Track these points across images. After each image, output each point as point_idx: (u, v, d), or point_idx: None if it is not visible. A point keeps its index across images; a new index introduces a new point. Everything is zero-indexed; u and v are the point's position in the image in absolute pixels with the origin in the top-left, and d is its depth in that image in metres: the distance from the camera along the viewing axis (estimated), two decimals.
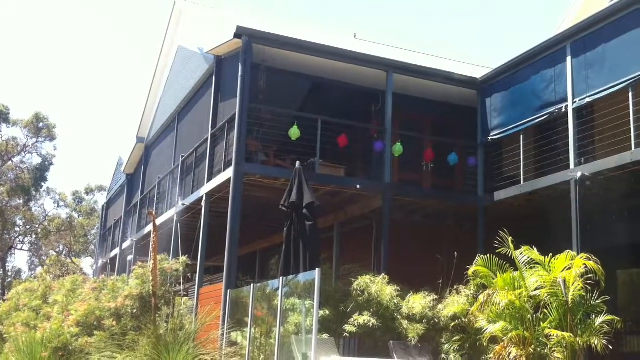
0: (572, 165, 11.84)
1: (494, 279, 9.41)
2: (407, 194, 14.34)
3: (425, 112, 16.01)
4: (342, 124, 13.85)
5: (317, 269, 9.31)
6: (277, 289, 10.54)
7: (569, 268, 8.88)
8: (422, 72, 14.81)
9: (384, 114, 14.17)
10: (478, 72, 15.51)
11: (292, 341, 10.00)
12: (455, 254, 11.61)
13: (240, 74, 13.18)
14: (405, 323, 11.08)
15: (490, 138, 14.28)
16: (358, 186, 13.64)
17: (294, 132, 13.34)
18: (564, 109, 12.31)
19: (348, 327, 10.99)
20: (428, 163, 15.20)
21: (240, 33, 13.25)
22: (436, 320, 11.27)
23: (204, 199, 14.60)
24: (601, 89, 11.61)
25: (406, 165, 15.05)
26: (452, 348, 10.91)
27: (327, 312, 11.11)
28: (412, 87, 14.99)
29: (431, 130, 16.03)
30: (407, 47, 20.19)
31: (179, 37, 20.47)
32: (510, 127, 13.71)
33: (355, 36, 20.73)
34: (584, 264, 8.79)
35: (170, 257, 13.90)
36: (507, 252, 9.37)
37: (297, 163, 12.06)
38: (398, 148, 14.10)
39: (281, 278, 10.56)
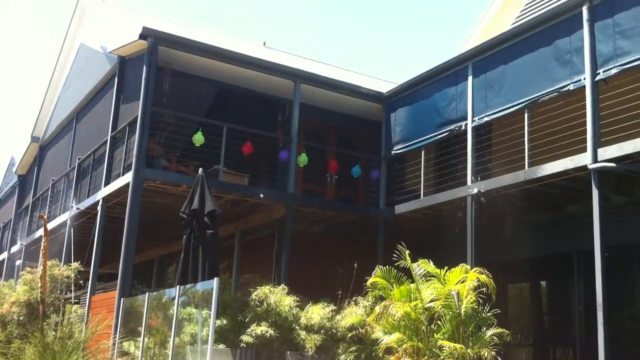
0: (469, 182, 12.20)
1: (391, 290, 9.52)
2: (311, 204, 14.36)
3: (331, 124, 16.14)
4: (248, 132, 13.72)
5: (215, 278, 9.14)
6: (174, 297, 10.27)
7: (463, 281, 9.10)
8: (329, 84, 14.91)
9: (291, 124, 14.16)
10: (385, 87, 15.78)
11: (187, 351, 9.75)
12: (355, 265, 11.70)
13: (144, 75, 12.82)
14: (303, 334, 11.04)
15: (393, 152, 14.53)
16: (261, 195, 13.53)
17: (198, 138, 13.10)
18: (463, 127, 12.67)
19: (245, 338, 10.83)
20: (332, 174, 15.28)
21: (145, 34, 12.90)
22: (334, 331, 11.28)
23: (100, 203, 14.09)
24: (499, 109, 12.02)
25: (311, 176, 15.08)
26: (348, 359, 10.96)
27: (225, 322, 10.93)
28: (319, 98, 15.06)
29: (337, 142, 16.16)
30: (317, 59, 20.35)
31: (82, 35, 19.77)
32: (413, 142, 14.00)
33: (264, 44, 20.68)
34: (477, 277, 9.05)
35: (62, 263, 13.30)
36: (405, 264, 9.53)
37: (200, 170, 11.82)
38: (303, 158, 14.11)
39: (178, 287, 10.29)
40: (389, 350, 9.40)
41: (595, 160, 9.96)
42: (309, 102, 14.68)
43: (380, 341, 9.23)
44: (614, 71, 10.03)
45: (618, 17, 10.11)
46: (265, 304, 11.22)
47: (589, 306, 10.76)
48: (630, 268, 12.06)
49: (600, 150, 9.97)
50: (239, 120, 13.82)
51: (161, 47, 13.09)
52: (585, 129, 10.23)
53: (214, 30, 27.86)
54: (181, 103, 13.92)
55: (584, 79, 10.39)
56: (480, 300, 9.11)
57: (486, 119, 12.27)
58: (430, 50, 39.16)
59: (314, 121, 15.36)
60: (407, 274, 9.58)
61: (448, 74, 13.44)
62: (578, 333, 12.37)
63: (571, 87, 10.67)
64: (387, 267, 9.72)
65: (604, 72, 10.17)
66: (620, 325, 11.61)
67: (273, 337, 10.86)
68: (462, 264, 9.50)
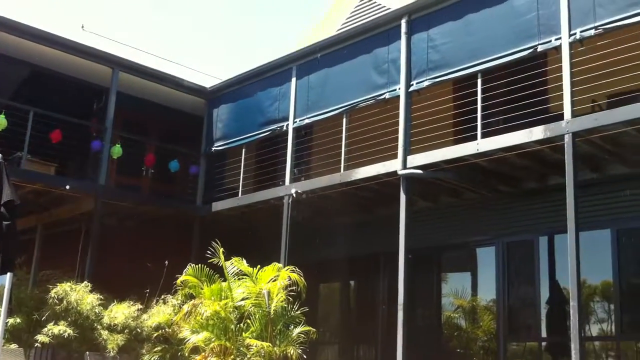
0: (287, 182, 12.29)
1: (202, 289, 9.36)
2: (124, 198, 13.70)
3: (152, 116, 15.54)
4: (58, 119, 12.81)
5: (9, 273, 8.38)
6: None
7: (275, 280, 9.15)
8: (151, 75, 14.35)
9: (106, 113, 13.43)
10: (211, 82, 15.49)
11: None
12: (166, 262, 11.33)
13: None
14: (105, 333, 10.50)
15: (214, 149, 14.30)
16: (67, 186, 12.67)
17: (1, 122, 12.00)
18: (285, 128, 12.75)
19: (41, 337, 10.10)
20: (149, 168, 14.72)
21: None
22: (139, 331, 10.86)
23: None
24: (320, 112, 12.24)
25: (126, 169, 14.41)
26: (152, 359, 10.58)
27: (19, 320, 10.15)
28: (140, 88, 14.45)
29: (157, 135, 15.59)
30: (142, 48, 19.52)
31: None
32: (234, 139, 13.87)
33: (82, 27, 19.45)
34: (289, 276, 9.12)
35: None
36: (219, 262, 9.40)
37: (0, 156, 10.80)
38: (117, 150, 13.41)
39: None
40: (196, 350, 9.20)
41: (404, 166, 10.44)
42: (128, 92, 14.04)
43: (187, 340, 9.02)
44: (425, 83, 10.59)
45: (432, 32, 10.69)
46: (65, 302, 10.54)
47: (392, 305, 11.24)
48: (431, 270, 12.80)
49: (409, 158, 10.46)
50: (51, 105, 12.87)
51: None
52: (398, 136, 10.68)
53: (31, 7, 25.90)
54: None
55: (399, 89, 10.86)
56: (291, 299, 9.20)
57: (307, 121, 12.44)
58: (267, 49, 39.39)
59: (132, 112, 14.73)
60: (222, 272, 9.46)
61: (273, 74, 13.46)
62: (380, 331, 12.91)
63: (387, 95, 11.11)
64: (200, 265, 9.56)
65: (417, 83, 10.69)
66: (419, 323, 12.30)
67: (72, 337, 10.21)
68: (275, 263, 9.53)
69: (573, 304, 8.14)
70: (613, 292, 10.07)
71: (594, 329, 10.47)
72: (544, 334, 10.78)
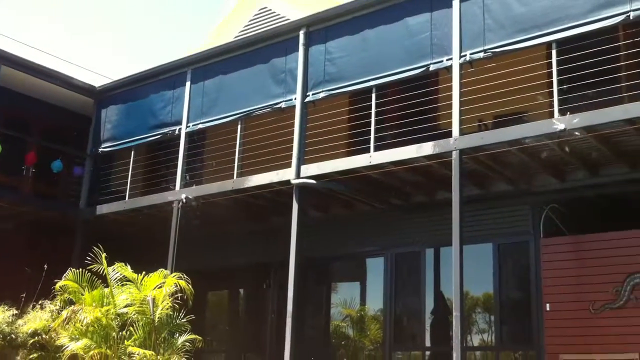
0: (177, 187, 12.03)
1: (82, 294, 9.06)
2: (0, 197, 12.92)
3: (36, 114, 14.78)
4: None
5: None
6: None
7: (161, 287, 8.93)
8: (37, 70, 13.65)
9: None
10: (102, 81, 14.93)
11: None
12: (45, 266, 10.80)
13: None
14: None
15: (101, 150, 13.78)
16: None
17: None
18: (177, 132, 12.48)
19: None
20: (30, 167, 13.97)
21: None
22: (13, 337, 10.29)
23: None
24: (214, 118, 12.07)
25: (4, 167, 13.59)
26: None
27: None
28: (25, 84, 13.72)
29: (41, 133, 14.83)
30: (28, 42, 18.61)
31: None
32: (123, 141, 13.42)
33: None
34: (176, 283, 8.93)
35: None
36: (101, 268, 9.09)
37: None
38: None
39: None
40: (75, 358, 8.84)
41: (298, 176, 10.48)
42: (11, 87, 13.34)
43: (66, 348, 8.67)
44: (321, 95, 10.69)
45: (330, 45, 10.82)
46: None
47: (281, 314, 11.22)
48: (321, 279, 12.91)
49: (303, 167, 10.52)
50: None
51: None
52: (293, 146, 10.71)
53: None
54: None
55: (295, 99, 10.90)
56: (177, 307, 9.00)
57: (201, 125, 12.24)
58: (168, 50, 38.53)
59: (14, 108, 13.95)
60: (106, 278, 9.14)
61: (167, 77, 13.14)
62: (269, 340, 12.85)
63: (283, 105, 11.12)
64: (82, 270, 9.26)
65: (313, 94, 10.77)
66: (308, 332, 12.36)
67: None
68: (162, 269, 9.31)
69: (456, 315, 8.43)
70: (494, 304, 10.54)
71: (476, 339, 10.90)
72: (428, 344, 11.11)
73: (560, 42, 8.63)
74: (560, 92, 8.49)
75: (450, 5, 9.51)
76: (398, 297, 11.58)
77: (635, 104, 7.94)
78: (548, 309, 9.68)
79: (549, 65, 8.72)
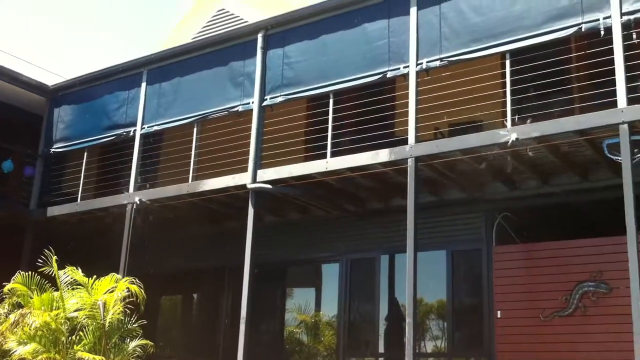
0: (131, 190, 11.85)
1: (31, 298, 8.89)
2: None
3: None
4: None
5: None
6: None
7: (112, 291, 8.80)
8: None
9: None
10: (55, 80, 14.61)
11: None
12: None
13: None
14: None
15: (52, 150, 13.48)
16: None
17: None
18: (132, 133, 12.30)
19: None
20: None
21: None
22: None
23: None
24: (170, 120, 11.92)
25: None
26: None
27: None
28: None
29: None
30: None
31: None
32: (76, 142, 13.15)
33: None
34: (128, 287, 8.81)
35: None
36: (51, 271, 8.91)
37: None
38: None
39: None
40: None
41: (254, 180, 10.42)
42: None
43: (13, 352, 8.50)
44: (279, 99, 10.66)
45: (288, 49, 10.80)
46: None
47: (235, 319, 11.14)
48: (276, 285, 12.86)
49: (260, 172, 10.46)
50: None
51: None
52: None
53: None
54: None
55: (253, 102, 10.84)
56: (129, 312, 8.88)
57: (156, 127, 12.08)
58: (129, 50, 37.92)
59: None
60: (56, 281, 8.96)
61: (122, 77, 12.94)
62: (222, 345, 12.74)
63: (240, 108, 11.05)
64: (31, 273, 9.09)
65: (270, 99, 10.73)
66: (262, 337, 12.29)
67: None
68: (113, 274, 9.17)
69: (409, 321, 8.48)
70: (446, 310, 10.65)
71: (429, 346, 11.00)
72: (381, 350, 11.16)
73: (514, 53, 8.79)
74: (513, 102, 8.64)
75: (407, 13, 9.59)
76: (352, 303, 11.61)
77: (586, 115, 8.14)
78: (499, 315, 9.83)
79: (504, 75, 8.86)
